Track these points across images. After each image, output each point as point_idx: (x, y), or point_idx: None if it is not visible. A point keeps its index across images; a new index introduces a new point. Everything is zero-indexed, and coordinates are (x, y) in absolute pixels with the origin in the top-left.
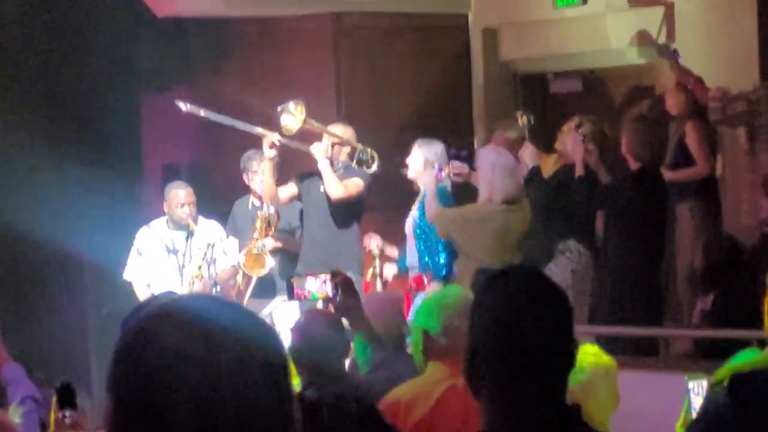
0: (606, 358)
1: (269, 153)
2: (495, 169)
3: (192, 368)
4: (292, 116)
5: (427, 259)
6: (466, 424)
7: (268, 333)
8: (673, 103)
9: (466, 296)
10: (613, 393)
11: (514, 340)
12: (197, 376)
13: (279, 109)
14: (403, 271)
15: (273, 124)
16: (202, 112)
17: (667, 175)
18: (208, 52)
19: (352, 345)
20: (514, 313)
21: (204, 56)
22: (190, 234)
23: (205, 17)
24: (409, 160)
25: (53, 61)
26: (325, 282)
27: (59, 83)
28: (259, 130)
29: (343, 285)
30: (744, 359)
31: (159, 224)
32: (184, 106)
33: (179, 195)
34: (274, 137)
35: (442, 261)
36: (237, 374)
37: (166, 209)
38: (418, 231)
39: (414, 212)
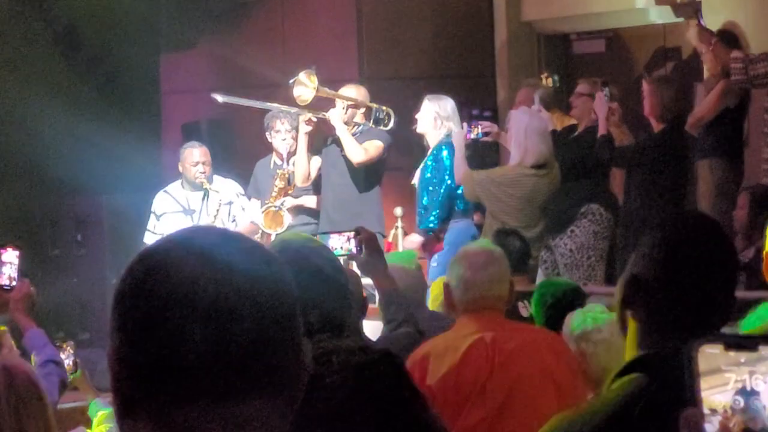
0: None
1: (306, 128)
2: (528, 131)
3: (204, 304)
4: (305, 86)
5: (427, 212)
6: (491, 376)
7: (278, 264)
8: (707, 63)
9: (490, 251)
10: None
11: (682, 276)
12: (210, 313)
13: (291, 81)
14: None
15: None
16: (240, 101)
17: (690, 120)
18: (229, 9)
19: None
20: (686, 253)
21: (224, 13)
22: (206, 194)
23: None
24: (418, 115)
25: (73, 19)
26: (348, 239)
27: (79, 41)
28: (295, 109)
29: (368, 242)
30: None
31: (175, 187)
32: (220, 98)
33: (193, 154)
34: (309, 114)
35: (439, 213)
36: (251, 306)
37: (180, 169)
38: (423, 184)
39: (421, 168)
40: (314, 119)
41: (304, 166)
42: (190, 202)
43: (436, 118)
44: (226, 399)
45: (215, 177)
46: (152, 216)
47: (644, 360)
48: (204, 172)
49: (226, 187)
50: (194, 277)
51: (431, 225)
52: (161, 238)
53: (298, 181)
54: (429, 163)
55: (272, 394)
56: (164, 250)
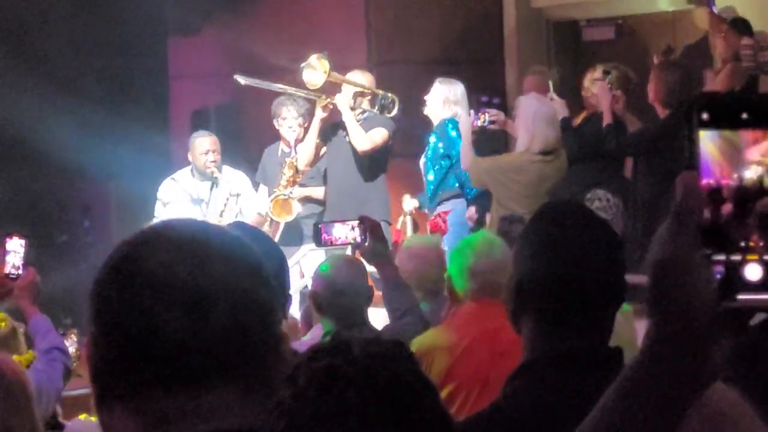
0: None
1: (321, 114)
2: (536, 117)
3: (179, 291)
4: (315, 70)
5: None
6: (494, 366)
7: (254, 254)
8: (718, 48)
9: (491, 240)
10: (632, 338)
11: (559, 272)
12: (184, 299)
13: (302, 64)
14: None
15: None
16: (260, 84)
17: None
18: None
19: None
20: (559, 245)
21: None
22: (214, 183)
23: None
24: (427, 97)
25: (78, 4)
26: (353, 228)
27: (85, 25)
28: (312, 95)
29: (372, 230)
30: None
31: (183, 175)
32: (242, 80)
33: (203, 143)
34: (327, 100)
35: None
36: (224, 296)
37: (190, 158)
38: (430, 160)
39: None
40: (330, 105)
41: (311, 149)
42: (200, 191)
43: (445, 102)
44: (200, 387)
45: (225, 167)
46: (158, 203)
47: (531, 365)
48: (214, 161)
49: (236, 178)
50: (169, 265)
51: (432, 204)
52: (144, 230)
53: (301, 164)
54: (434, 140)
55: (247, 384)
56: (141, 239)
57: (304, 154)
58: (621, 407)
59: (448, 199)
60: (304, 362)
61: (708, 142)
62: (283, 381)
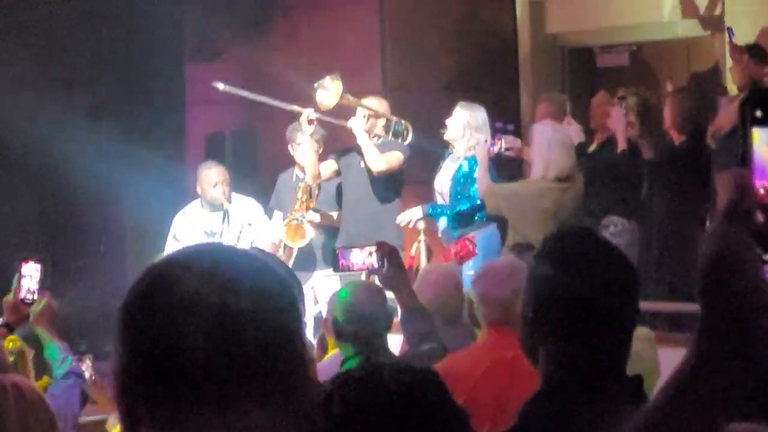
0: (644, 330)
1: (308, 129)
2: (551, 144)
3: (208, 315)
4: (328, 92)
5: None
6: (511, 394)
7: (280, 280)
8: (734, 77)
9: (513, 266)
10: (654, 366)
11: (572, 299)
12: (214, 323)
13: (315, 85)
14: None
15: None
16: (242, 93)
17: (710, 130)
18: (254, 19)
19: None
20: (571, 273)
21: (249, 23)
22: (226, 214)
23: None
24: (449, 121)
25: (97, 29)
26: (370, 254)
27: (103, 50)
28: (294, 107)
29: (389, 256)
30: None
31: (194, 208)
32: (221, 86)
33: (211, 175)
34: (309, 112)
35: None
36: (253, 320)
37: (199, 190)
38: (452, 191)
39: (448, 172)
40: (313, 118)
41: (312, 164)
42: (212, 224)
43: (466, 127)
44: (228, 408)
45: (234, 195)
46: (170, 237)
47: (548, 390)
48: (223, 192)
49: (246, 206)
50: (198, 288)
51: (454, 234)
52: (172, 254)
53: (309, 179)
54: (460, 175)
55: (275, 405)
56: (169, 263)
57: (307, 168)
58: (672, 403)
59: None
60: (336, 389)
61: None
62: (318, 407)
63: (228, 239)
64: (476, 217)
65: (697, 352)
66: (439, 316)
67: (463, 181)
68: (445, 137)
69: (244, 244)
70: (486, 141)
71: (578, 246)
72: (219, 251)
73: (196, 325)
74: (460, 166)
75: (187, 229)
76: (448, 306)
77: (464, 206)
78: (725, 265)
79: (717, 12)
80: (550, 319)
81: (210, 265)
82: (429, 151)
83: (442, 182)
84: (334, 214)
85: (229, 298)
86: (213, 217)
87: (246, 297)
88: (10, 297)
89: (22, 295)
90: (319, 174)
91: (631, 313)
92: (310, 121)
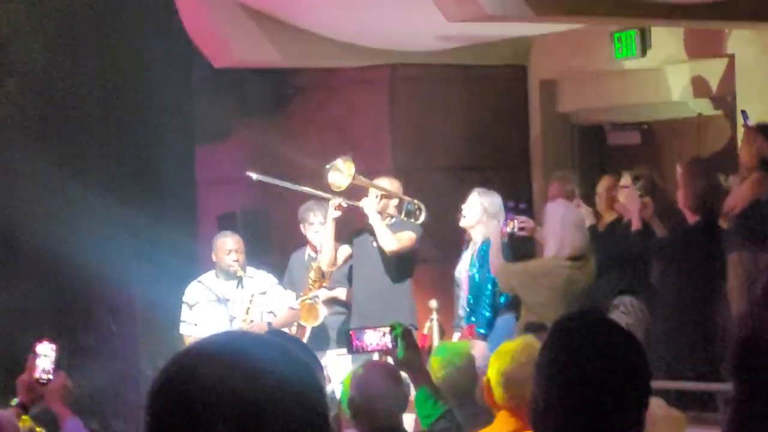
0: (676, 412)
1: (334, 214)
2: (565, 223)
3: (233, 402)
4: (341, 173)
5: (473, 311)
6: None
7: (305, 366)
8: (744, 156)
9: (526, 347)
10: None
11: (582, 389)
12: (238, 410)
13: (327, 166)
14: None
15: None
16: (273, 181)
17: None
18: (265, 100)
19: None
20: (581, 361)
21: (260, 103)
22: (239, 283)
23: (262, 68)
24: (465, 207)
25: (110, 110)
26: (384, 335)
27: (116, 131)
28: (325, 195)
29: (403, 336)
30: None
31: (208, 277)
32: (254, 176)
33: (227, 242)
34: (340, 200)
35: (486, 314)
36: (277, 408)
37: (214, 258)
38: (470, 282)
39: (466, 261)
40: (344, 205)
41: (331, 250)
42: (225, 291)
43: (483, 213)
44: None
45: (249, 268)
46: (184, 306)
47: None
48: (237, 260)
49: (260, 277)
50: (223, 377)
51: (484, 331)
52: (195, 341)
53: (324, 265)
54: (475, 262)
55: None
56: (196, 350)
57: (325, 255)
58: None
59: None
60: None
61: None
62: None
63: (240, 306)
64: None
65: (735, 430)
66: (451, 395)
67: (479, 269)
68: (461, 224)
69: (255, 312)
70: (499, 222)
71: (587, 330)
72: (244, 339)
73: (220, 413)
74: (478, 253)
75: (201, 297)
76: (459, 385)
77: (487, 312)
78: (761, 346)
79: (729, 91)
80: (557, 409)
81: (232, 353)
82: (440, 231)
83: (461, 271)
84: (345, 292)
85: (252, 386)
86: (227, 285)
87: (269, 384)
88: (25, 376)
89: (37, 374)
90: (336, 261)
91: (641, 394)
92: (338, 207)
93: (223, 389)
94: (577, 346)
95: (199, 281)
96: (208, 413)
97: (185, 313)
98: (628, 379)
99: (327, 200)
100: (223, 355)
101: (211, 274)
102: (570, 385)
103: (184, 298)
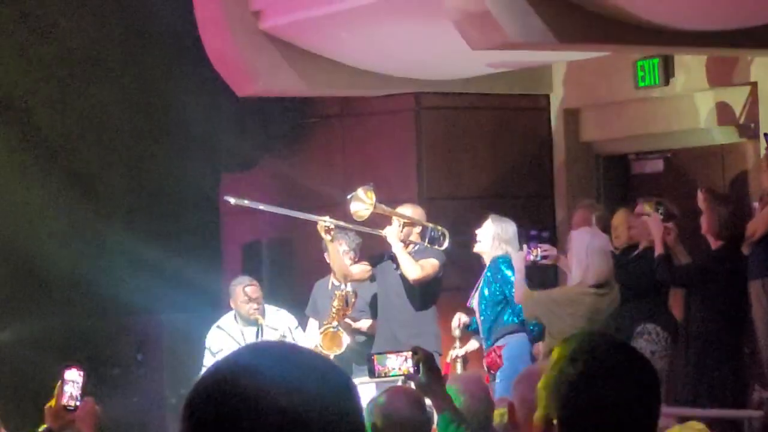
0: None
1: (327, 237)
2: (590, 251)
3: (275, 410)
4: (362, 202)
5: (488, 336)
6: None
7: (340, 371)
8: (765, 181)
9: (543, 371)
10: None
11: (597, 413)
12: (281, 419)
13: (348, 196)
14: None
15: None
16: (254, 205)
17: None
18: (289, 129)
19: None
20: (596, 385)
21: (284, 133)
22: (260, 329)
23: (287, 96)
24: (479, 233)
25: (133, 140)
26: (406, 359)
27: (139, 161)
28: (311, 216)
29: (425, 362)
30: None
31: (227, 321)
32: (232, 200)
33: (245, 292)
34: (325, 221)
35: (516, 308)
36: (318, 420)
37: (233, 305)
38: (481, 300)
39: (479, 287)
40: (331, 226)
41: (339, 261)
42: (246, 336)
43: (496, 239)
44: None
45: (267, 308)
46: (207, 352)
47: None
48: (257, 308)
49: (279, 319)
50: (264, 388)
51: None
52: (232, 351)
53: (336, 278)
54: (487, 280)
55: None
56: (235, 361)
57: (335, 267)
58: None
59: (503, 335)
60: None
61: None
62: None
63: None
64: (505, 318)
65: None
66: (468, 423)
67: (490, 290)
68: (475, 249)
69: None
70: (520, 250)
71: (606, 354)
72: (281, 347)
73: (261, 422)
74: (487, 272)
75: (223, 344)
76: (476, 413)
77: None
78: None
79: (753, 119)
80: (576, 425)
81: (273, 362)
82: (465, 259)
83: (475, 297)
84: (369, 322)
85: (293, 395)
86: (247, 331)
87: (310, 393)
88: (52, 403)
89: (65, 401)
90: (347, 272)
91: (651, 421)
92: (327, 230)
93: (263, 397)
94: (596, 368)
95: (219, 327)
96: (248, 421)
97: (208, 360)
98: (640, 399)
99: (347, 229)
100: (263, 363)
101: (230, 317)
102: (582, 405)
103: (207, 344)
